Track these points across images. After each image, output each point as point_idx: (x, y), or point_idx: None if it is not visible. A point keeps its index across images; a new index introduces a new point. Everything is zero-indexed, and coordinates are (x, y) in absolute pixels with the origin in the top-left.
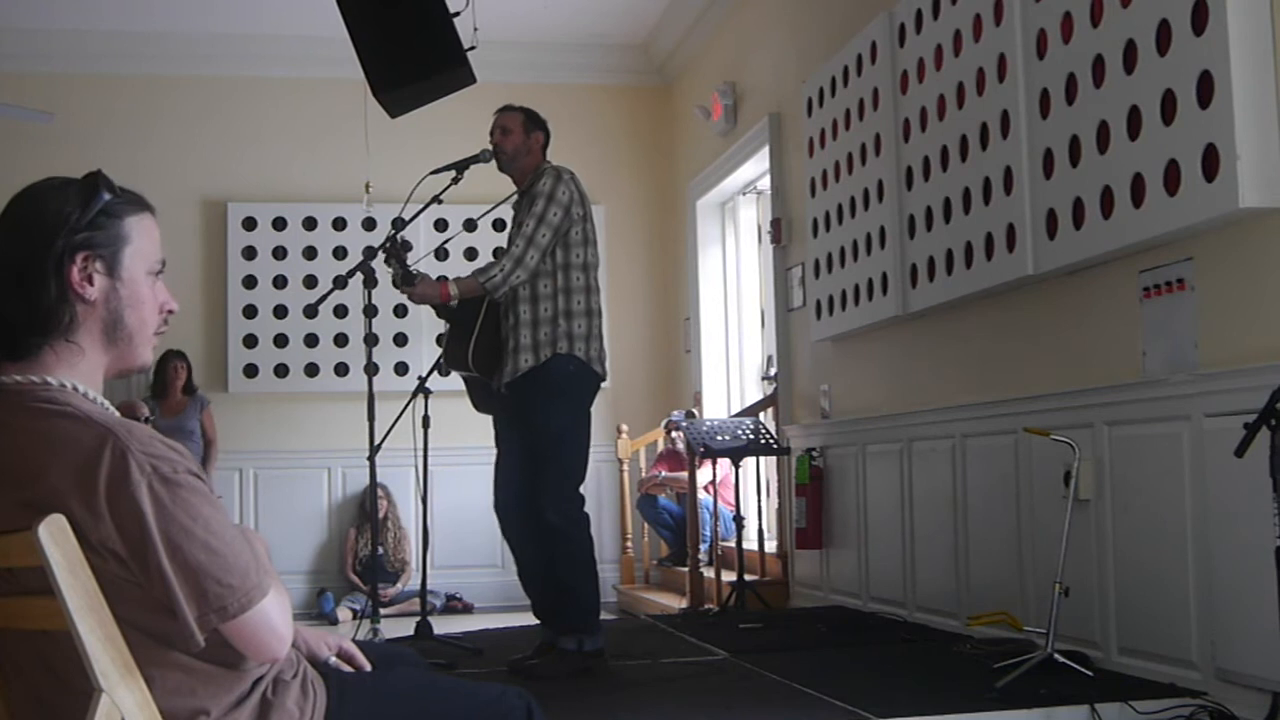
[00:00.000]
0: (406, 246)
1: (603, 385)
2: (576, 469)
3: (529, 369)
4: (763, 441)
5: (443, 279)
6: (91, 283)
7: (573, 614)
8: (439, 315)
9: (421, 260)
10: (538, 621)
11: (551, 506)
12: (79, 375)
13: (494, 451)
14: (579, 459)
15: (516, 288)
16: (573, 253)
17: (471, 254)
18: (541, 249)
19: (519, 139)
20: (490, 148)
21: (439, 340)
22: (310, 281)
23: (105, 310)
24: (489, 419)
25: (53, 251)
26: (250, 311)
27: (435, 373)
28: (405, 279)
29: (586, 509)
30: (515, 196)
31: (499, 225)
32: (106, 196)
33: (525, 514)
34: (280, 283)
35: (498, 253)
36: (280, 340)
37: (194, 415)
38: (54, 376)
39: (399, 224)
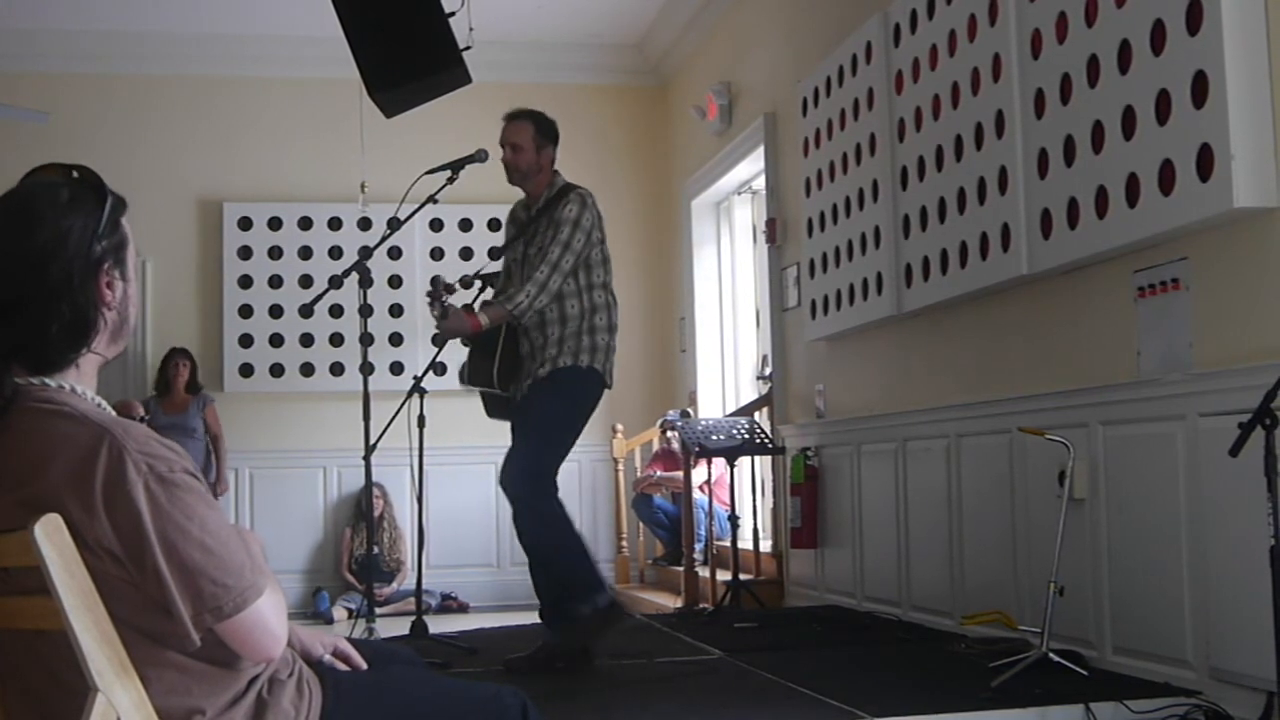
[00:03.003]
0: (450, 289)
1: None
2: (555, 453)
3: (547, 374)
4: (758, 441)
5: (469, 309)
6: (112, 289)
7: (571, 579)
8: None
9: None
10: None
11: (520, 477)
12: (82, 377)
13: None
14: (559, 447)
15: (543, 310)
16: (594, 274)
17: (467, 254)
18: (564, 274)
19: (530, 157)
20: (486, 149)
21: (435, 340)
22: (306, 281)
23: (117, 314)
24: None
25: (89, 270)
26: (246, 311)
27: (430, 372)
28: (441, 315)
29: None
30: (532, 209)
31: (494, 225)
32: (111, 200)
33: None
34: (276, 282)
35: (493, 252)
36: (276, 340)
37: (196, 414)
38: (54, 379)
39: (437, 281)
